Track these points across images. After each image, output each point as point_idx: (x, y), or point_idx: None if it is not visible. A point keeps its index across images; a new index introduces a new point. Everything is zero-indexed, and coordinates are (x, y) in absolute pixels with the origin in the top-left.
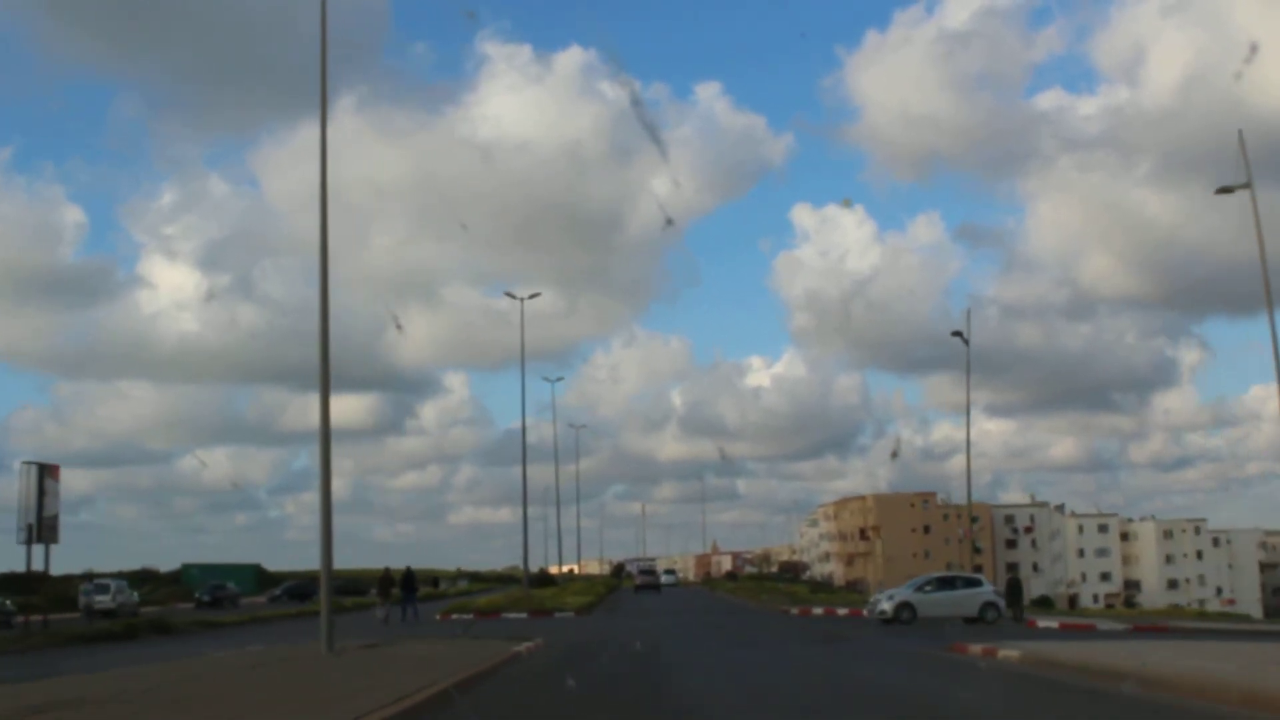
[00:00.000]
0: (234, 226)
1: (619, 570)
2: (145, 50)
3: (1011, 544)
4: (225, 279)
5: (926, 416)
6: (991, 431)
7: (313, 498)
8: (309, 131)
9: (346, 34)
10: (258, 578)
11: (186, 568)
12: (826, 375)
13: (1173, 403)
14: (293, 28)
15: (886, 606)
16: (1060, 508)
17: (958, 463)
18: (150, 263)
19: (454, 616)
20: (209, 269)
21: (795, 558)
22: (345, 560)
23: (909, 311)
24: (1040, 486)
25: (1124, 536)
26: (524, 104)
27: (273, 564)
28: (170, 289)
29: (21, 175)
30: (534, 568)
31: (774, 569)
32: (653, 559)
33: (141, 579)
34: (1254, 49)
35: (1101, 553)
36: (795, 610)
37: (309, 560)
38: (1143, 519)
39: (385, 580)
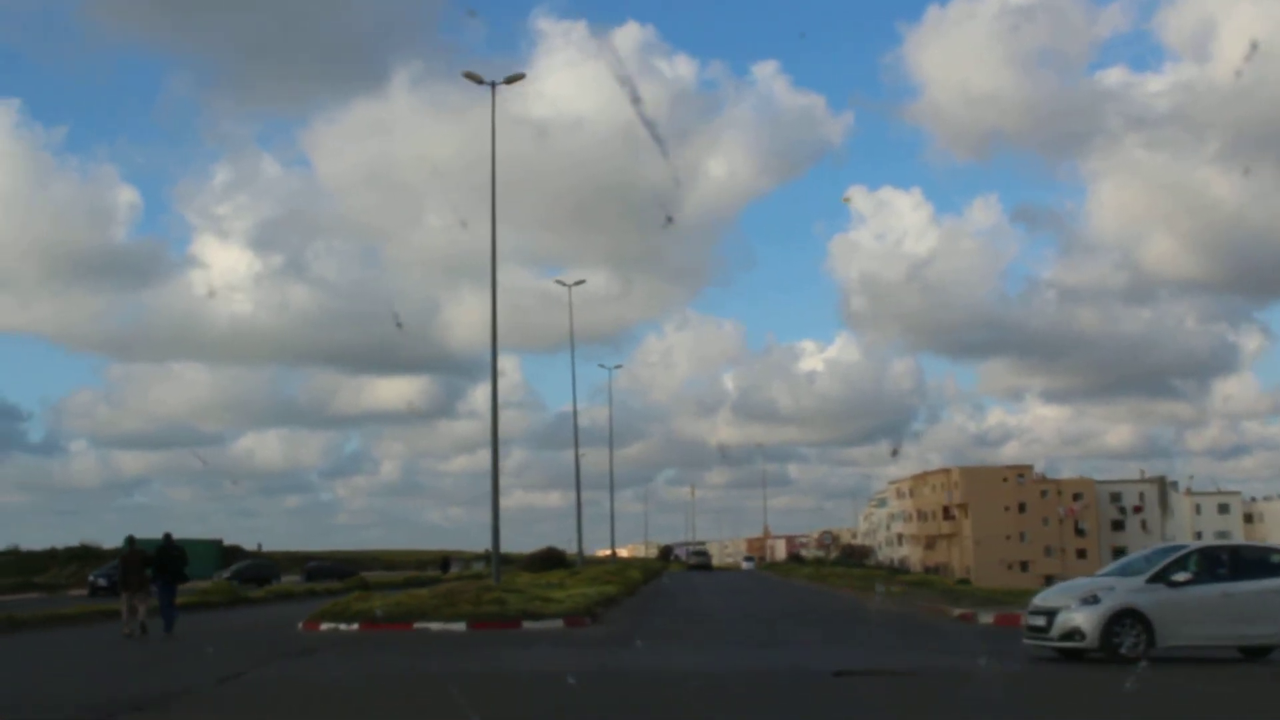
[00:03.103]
0: (286, 206)
1: (666, 553)
2: (196, 27)
3: (1119, 525)
4: (277, 260)
5: (980, 402)
6: (1047, 417)
7: (365, 480)
8: (361, 109)
9: (401, 9)
10: (219, 556)
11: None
12: (880, 360)
13: (1233, 389)
14: (344, 3)
15: (1082, 621)
16: (1174, 484)
17: (1011, 450)
18: (203, 243)
19: (323, 627)
20: (261, 249)
21: (856, 541)
22: (397, 541)
23: (964, 295)
24: (1093, 474)
25: (1247, 518)
26: (579, 82)
27: (317, 546)
28: (223, 270)
29: (75, 156)
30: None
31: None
32: (702, 543)
33: (72, 557)
34: (1254, 47)
35: (1222, 536)
36: (991, 618)
37: (355, 541)
38: (1267, 499)
39: (132, 560)
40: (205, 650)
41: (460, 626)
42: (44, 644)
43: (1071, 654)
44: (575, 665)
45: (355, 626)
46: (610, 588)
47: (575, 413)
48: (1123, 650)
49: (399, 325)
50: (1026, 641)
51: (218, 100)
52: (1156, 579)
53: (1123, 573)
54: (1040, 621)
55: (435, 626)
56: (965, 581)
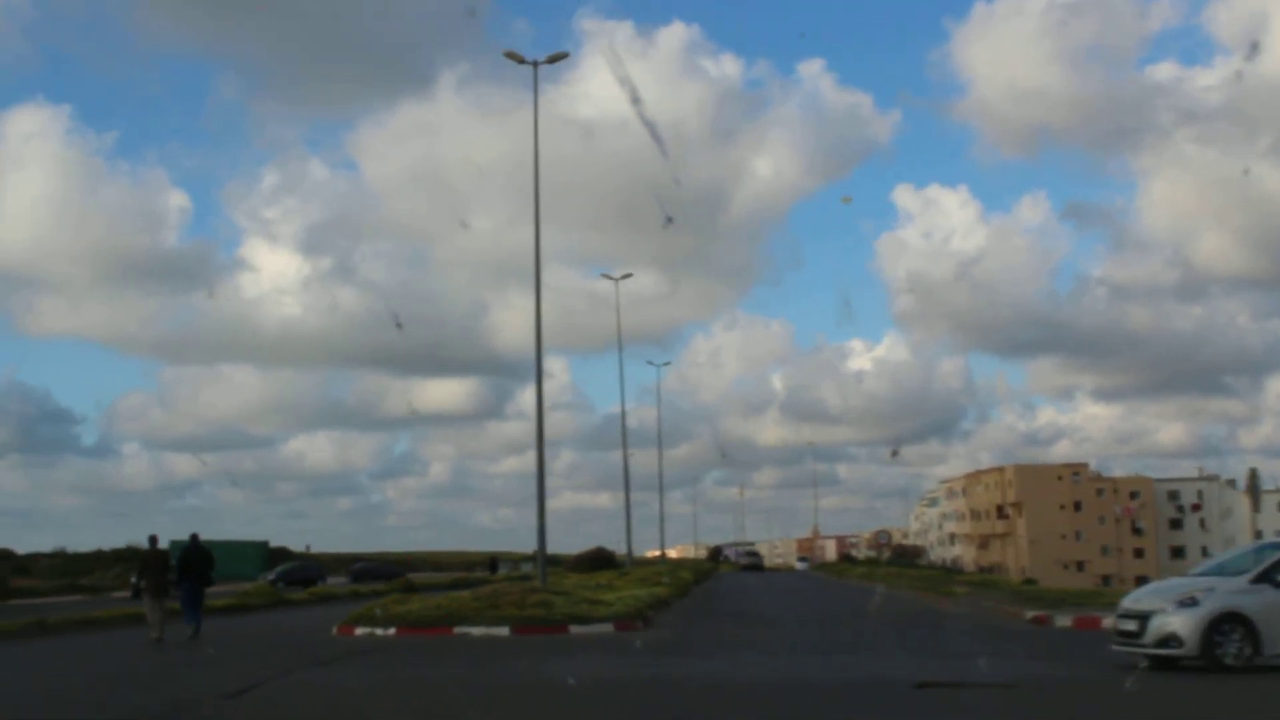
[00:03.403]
0: (333, 209)
1: (716, 554)
2: (243, 31)
3: (1176, 524)
4: (326, 262)
5: (1030, 401)
6: (1098, 415)
7: (414, 482)
8: (407, 112)
9: (448, 11)
10: (265, 557)
11: (174, 546)
12: (928, 359)
13: None
14: (390, 6)
15: (1179, 626)
16: (1232, 482)
17: (1062, 448)
18: (252, 246)
19: (358, 631)
20: (309, 252)
21: (907, 541)
22: (446, 543)
23: (1013, 293)
24: (1146, 472)
25: None
26: (609, 82)
27: (367, 548)
28: (272, 273)
29: (125, 160)
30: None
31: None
32: (751, 543)
33: (118, 558)
34: (1254, 47)
35: None
36: (1069, 620)
37: (405, 543)
38: None
39: (152, 562)
40: (224, 658)
41: (503, 631)
42: (65, 649)
43: (1167, 662)
44: (626, 674)
45: (391, 631)
46: (661, 589)
47: (623, 410)
48: (1226, 659)
49: (398, 326)
50: (1116, 648)
51: (265, 104)
52: (1262, 579)
53: (1221, 572)
54: (1131, 626)
55: (477, 631)
56: (1031, 582)
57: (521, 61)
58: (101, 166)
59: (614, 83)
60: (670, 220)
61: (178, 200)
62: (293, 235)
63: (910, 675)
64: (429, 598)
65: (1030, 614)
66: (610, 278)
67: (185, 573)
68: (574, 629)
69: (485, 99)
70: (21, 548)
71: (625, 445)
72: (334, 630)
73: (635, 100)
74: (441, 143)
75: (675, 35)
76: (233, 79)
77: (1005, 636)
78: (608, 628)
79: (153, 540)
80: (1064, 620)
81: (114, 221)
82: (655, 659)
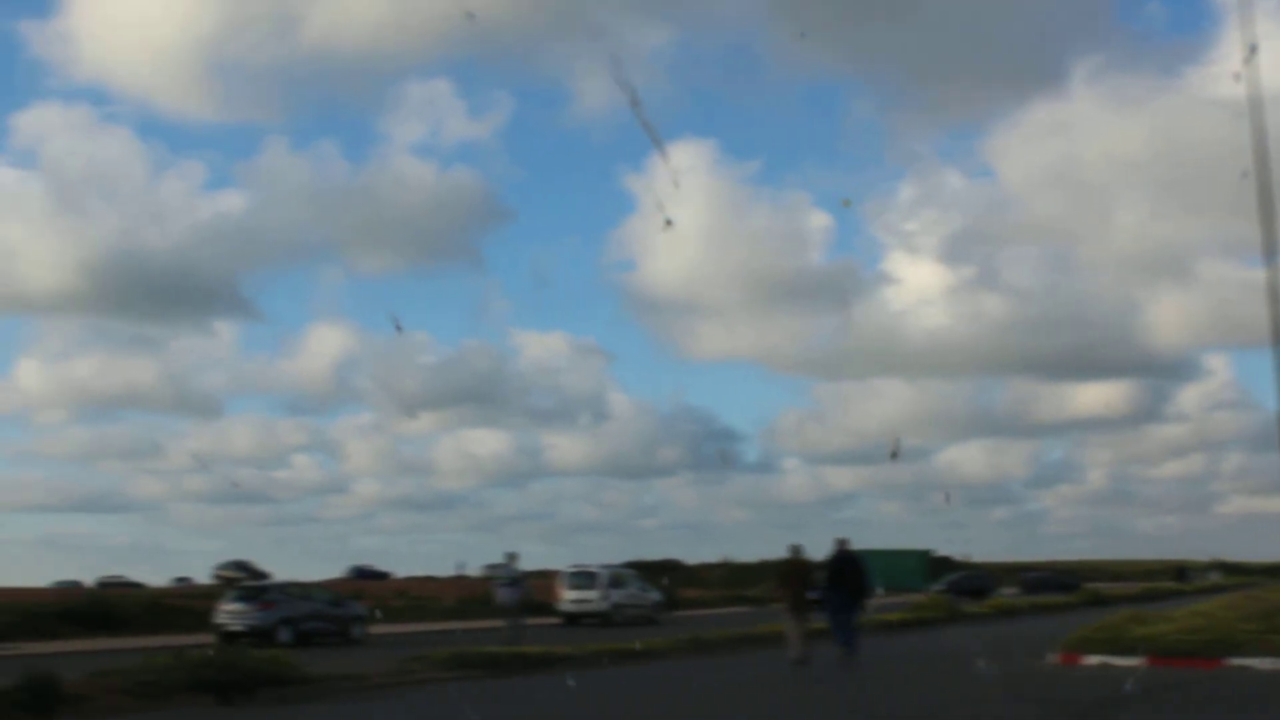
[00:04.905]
0: (972, 216)
1: None
2: (873, 49)
3: None
4: (968, 271)
5: None
6: None
7: (1069, 489)
8: (1039, 110)
9: (1077, 3)
10: (928, 567)
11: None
12: None
13: None
14: (1018, 4)
15: None
16: None
17: None
18: (894, 260)
19: (1088, 660)
20: (951, 262)
21: None
22: (1104, 551)
23: None
24: None
25: None
26: (1275, 52)
27: (1022, 556)
28: (915, 285)
29: (768, 187)
30: None
31: None
32: None
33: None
34: (1253, 49)
35: None
36: None
37: (1061, 551)
38: None
39: (791, 572)
40: (895, 695)
41: None
42: (707, 674)
43: None
44: None
45: (1136, 661)
46: None
47: None
48: None
49: (398, 329)
50: None
51: (897, 116)
52: None
53: None
54: None
55: (1261, 664)
56: None
57: None
58: (748, 194)
59: (1266, 56)
60: (669, 223)
61: (820, 220)
62: (933, 246)
63: None
64: (1169, 615)
65: None
66: None
67: (835, 585)
68: None
69: (1121, 89)
70: (691, 558)
71: None
72: (1054, 657)
73: (634, 103)
74: (1078, 139)
75: None
76: (866, 99)
77: None
78: None
79: (794, 549)
80: None
81: (762, 246)
82: None
